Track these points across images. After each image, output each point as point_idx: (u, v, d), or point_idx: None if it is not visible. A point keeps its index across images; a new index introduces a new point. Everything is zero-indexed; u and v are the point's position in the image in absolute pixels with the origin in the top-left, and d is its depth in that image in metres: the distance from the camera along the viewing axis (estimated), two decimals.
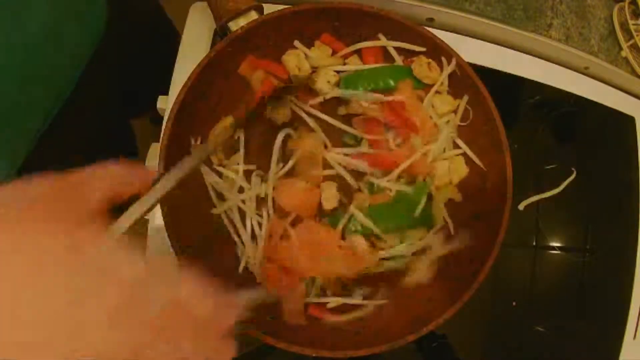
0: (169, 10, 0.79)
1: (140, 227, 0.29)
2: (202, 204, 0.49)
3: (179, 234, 0.45)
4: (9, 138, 0.46)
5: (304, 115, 0.51)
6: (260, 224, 0.49)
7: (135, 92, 0.72)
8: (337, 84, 0.51)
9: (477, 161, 0.50)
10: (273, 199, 0.49)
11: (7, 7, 0.39)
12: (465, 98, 0.51)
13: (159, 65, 0.56)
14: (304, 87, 0.51)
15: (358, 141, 0.51)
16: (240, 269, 0.48)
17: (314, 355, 0.44)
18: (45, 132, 0.51)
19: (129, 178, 0.28)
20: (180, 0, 0.61)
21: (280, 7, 0.48)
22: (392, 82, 0.51)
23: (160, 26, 0.78)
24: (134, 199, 0.29)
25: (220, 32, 0.50)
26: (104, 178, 0.27)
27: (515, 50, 0.61)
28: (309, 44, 0.52)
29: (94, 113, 0.62)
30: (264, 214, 0.49)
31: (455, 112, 0.51)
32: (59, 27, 0.47)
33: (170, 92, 0.53)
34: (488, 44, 0.60)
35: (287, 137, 0.50)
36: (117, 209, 0.28)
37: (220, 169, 0.50)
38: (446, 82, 0.51)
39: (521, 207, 0.57)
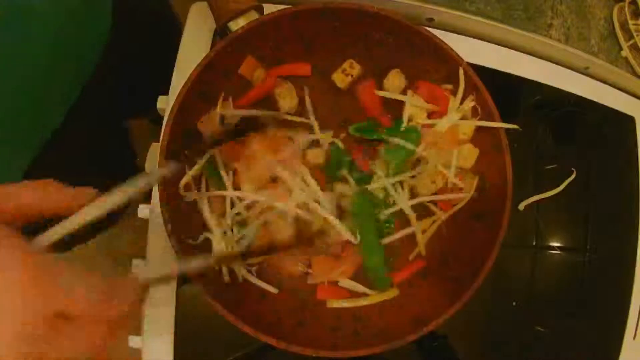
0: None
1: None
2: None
3: (179, 233, 0.45)
4: (20, 137, 0.47)
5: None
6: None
7: (135, 92, 0.72)
8: None
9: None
10: None
11: (13, 14, 0.39)
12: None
13: (159, 65, 0.56)
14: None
15: None
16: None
17: (314, 355, 0.44)
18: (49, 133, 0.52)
19: (55, 198, 0.29)
20: (180, 1, 0.61)
21: (280, 7, 0.48)
22: None
23: (162, 27, 0.77)
24: (56, 219, 0.29)
25: (220, 32, 0.50)
26: (26, 195, 0.28)
27: (515, 50, 0.61)
28: (311, 45, 0.52)
29: (96, 114, 0.62)
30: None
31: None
32: (64, 33, 0.47)
33: (170, 92, 0.53)
34: (488, 44, 0.60)
35: None
36: (39, 227, 0.28)
37: None
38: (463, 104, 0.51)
39: (521, 207, 0.57)
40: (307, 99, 0.52)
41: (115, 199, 0.31)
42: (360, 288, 0.50)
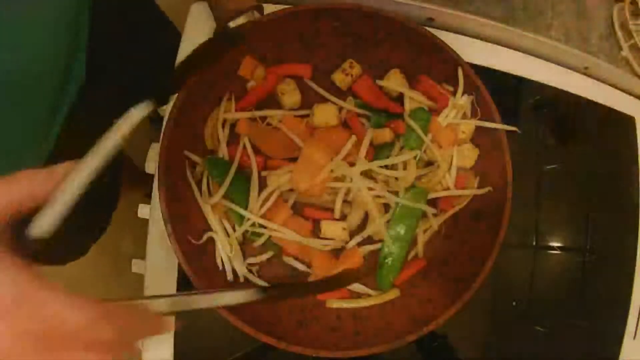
0: (169, 9, 0.78)
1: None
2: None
3: (179, 232, 0.45)
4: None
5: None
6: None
7: (135, 92, 0.72)
8: None
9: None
10: None
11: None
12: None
13: (159, 64, 0.56)
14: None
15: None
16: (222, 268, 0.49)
17: (314, 355, 0.44)
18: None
19: (31, 188, 0.27)
20: (180, 0, 0.61)
21: (280, 7, 0.48)
22: None
23: (159, 25, 0.77)
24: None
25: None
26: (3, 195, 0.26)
27: (515, 50, 0.61)
28: (311, 45, 0.52)
29: (96, 115, 0.61)
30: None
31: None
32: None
33: None
34: (488, 44, 0.60)
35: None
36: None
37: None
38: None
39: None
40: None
41: (90, 163, 0.29)
42: (360, 288, 0.50)
